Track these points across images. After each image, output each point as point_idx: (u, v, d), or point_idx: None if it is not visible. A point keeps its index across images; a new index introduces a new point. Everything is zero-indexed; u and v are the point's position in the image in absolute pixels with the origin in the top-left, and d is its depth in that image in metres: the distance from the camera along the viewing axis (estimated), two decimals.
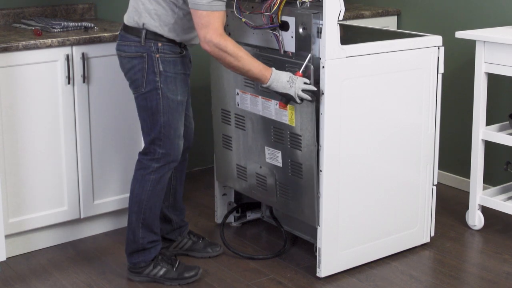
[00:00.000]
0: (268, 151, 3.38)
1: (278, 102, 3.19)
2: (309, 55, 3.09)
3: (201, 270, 3.30)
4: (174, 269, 3.26)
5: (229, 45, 2.96)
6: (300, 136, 3.20)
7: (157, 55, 3.07)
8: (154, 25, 3.06)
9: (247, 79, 3.30)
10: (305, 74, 3.08)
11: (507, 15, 4.02)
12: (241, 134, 3.52)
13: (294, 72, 3.09)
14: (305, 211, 3.29)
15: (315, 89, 3.06)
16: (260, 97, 3.33)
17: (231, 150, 3.60)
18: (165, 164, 3.17)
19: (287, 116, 3.23)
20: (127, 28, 3.14)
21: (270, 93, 3.21)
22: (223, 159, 3.68)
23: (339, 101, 3.14)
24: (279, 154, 3.33)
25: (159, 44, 3.07)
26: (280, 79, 3.05)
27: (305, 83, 3.05)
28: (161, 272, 3.25)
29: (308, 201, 3.25)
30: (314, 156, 3.16)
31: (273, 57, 3.24)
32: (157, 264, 3.26)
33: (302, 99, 3.06)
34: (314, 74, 3.09)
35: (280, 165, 3.34)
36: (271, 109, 3.30)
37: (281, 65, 3.17)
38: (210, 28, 2.93)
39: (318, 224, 3.22)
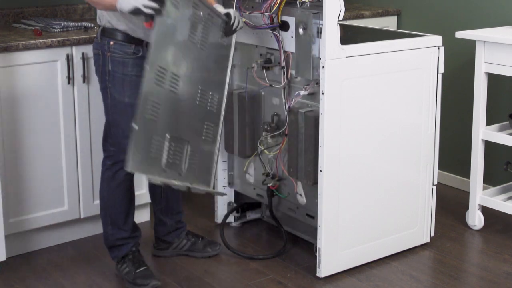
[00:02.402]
0: None
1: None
2: None
3: (159, 284, 3.20)
4: (134, 272, 3.22)
5: None
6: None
7: (108, 54, 3.07)
8: (105, 16, 3.04)
9: None
10: None
11: (507, 15, 4.02)
12: None
13: None
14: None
15: (157, 6, 2.80)
16: None
17: None
18: (117, 162, 3.15)
19: None
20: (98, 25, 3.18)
21: None
22: None
23: (339, 101, 3.14)
24: None
25: (111, 43, 3.06)
26: None
27: None
28: (124, 272, 3.25)
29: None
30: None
31: None
32: (123, 262, 3.27)
33: (151, 9, 2.79)
34: None
35: None
36: None
37: None
38: None
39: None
